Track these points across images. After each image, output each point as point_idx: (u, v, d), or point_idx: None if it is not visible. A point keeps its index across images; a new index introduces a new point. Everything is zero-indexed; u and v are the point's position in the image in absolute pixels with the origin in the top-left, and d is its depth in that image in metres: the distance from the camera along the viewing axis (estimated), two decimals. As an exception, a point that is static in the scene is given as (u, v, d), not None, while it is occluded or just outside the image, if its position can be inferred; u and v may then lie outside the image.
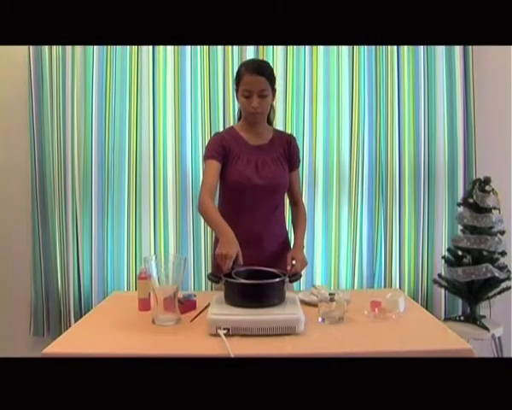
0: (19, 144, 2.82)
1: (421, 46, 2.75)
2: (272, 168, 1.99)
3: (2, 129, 2.87)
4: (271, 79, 1.92)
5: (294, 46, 2.73)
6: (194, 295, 1.79)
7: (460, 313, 2.76)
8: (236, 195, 1.98)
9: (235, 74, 1.98)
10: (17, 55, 2.75)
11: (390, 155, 2.80)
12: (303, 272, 2.70)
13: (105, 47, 2.72)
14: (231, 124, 2.66)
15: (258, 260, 1.78)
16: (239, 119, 2.11)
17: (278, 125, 2.65)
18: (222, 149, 1.96)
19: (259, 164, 1.98)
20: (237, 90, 1.95)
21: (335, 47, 2.76)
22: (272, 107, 2.07)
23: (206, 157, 1.98)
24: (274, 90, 1.97)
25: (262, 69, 1.90)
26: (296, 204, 2.16)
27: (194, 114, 2.78)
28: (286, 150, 2.06)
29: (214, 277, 1.71)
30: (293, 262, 1.82)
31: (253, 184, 1.95)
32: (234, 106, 2.73)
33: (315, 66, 2.77)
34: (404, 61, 2.77)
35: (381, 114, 2.79)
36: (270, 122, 2.10)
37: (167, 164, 2.80)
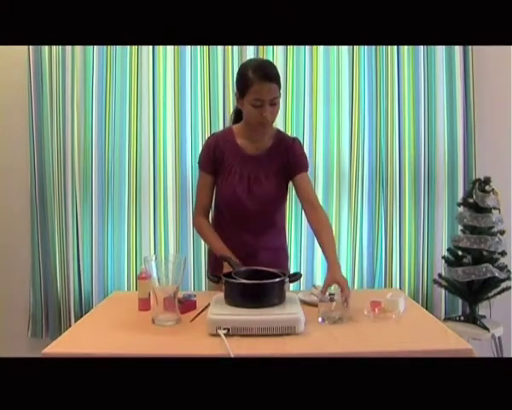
0: (18, 145, 2.82)
1: (421, 46, 2.76)
2: (264, 186, 1.88)
3: (1, 129, 2.87)
4: (280, 82, 1.76)
5: (294, 46, 2.74)
6: (194, 296, 1.79)
7: (460, 313, 2.76)
8: (227, 209, 1.93)
9: (236, 76, 1.82)
10: (17, 55, 2.75)
11: (390, 154, 2.80)
12: (303, 272, 2.73)
13: (105, 47, 2.72)
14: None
15: None
16: (236, 118, 1.96)
17: (278, 125, 2.63)
18: (214, 158, 1.88)
19: (252, 179, 1.87)
20: (242, 96, 1.76)
21: (335, 47, 2.76)
22: None
23: (200, 167, 1.93)
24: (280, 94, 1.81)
25: (273, 75, 1.73)
26: (313, 209, 1.85)
27: (194, 115, 2.78)
28: (285, 160, 1.90)
29: (214, 277, 1.70)
30: (335, 290, 1.60)
31: (243, 206, 1.88)
32: (234, 106, 2.72)
33: (315, 66, 2.77)
34: (404, 61, 2.78)
35: (381, 114, 2.79)
36: None
37: (167, 164, 2.80)
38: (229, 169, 1.89)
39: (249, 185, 1.88)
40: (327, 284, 1.61)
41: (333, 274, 1.63)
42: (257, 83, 1.69)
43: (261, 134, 1.86)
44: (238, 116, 1.94)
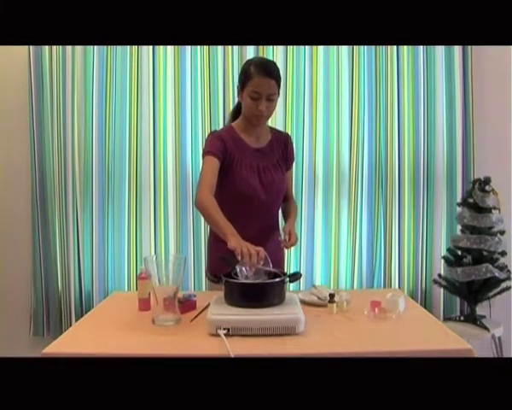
0: (19, 145, 2.83)
1: (421, 46, 2.76)
2: (273, 175, 1.95)
3: (2, 129, 2.87)
4: (280, 81, 1.84)
5: (294, 46, 2.74)
6: (194, 296, 1.79)
7: (458, 313, 2.76)
8: (239, 202, 1.90)
9: (239, 71, 1.89)
10: (17, 55, 2.75)
11: (390, 155, 2.80)
12: (303, 272, 2.73)
13: (105, 47, 2.72)
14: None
15: None
16: (234, 116, 2.01)
17: (278, 125, 2.65)
18: (223, 148, 1.86)
19: (261, 170, 1.92)
20: (242, 89, 1.84)
21: (335, 47, 2.76)
22: None
23: (206, 153, 1.86)
24: (279, 93, 1.89)
25: (273, 72, 1.81)
26: (287, 200, 2.09)
27: (194, 114, 2.78)
28: (284, 152, 2.02)
29: (214, 277, 1.70)
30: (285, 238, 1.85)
31: (256, 196, 1.90)
32: (234, 105, 2.73)
33: (315, 66, 2.77)
34: (403, 61, 2.78)
35: (380, 114, 2.79)
36: None
37: (167, 164, 2.80)
38: (239, 162, 1.89)
39: (260, 176, 1.92)
40: (286, 229, 1.87)
41: (289, 226, 1.91)
42: (256, 76, 1.78)
43: (255, 126, 1.92)
44: (236, 115, 2.00)
